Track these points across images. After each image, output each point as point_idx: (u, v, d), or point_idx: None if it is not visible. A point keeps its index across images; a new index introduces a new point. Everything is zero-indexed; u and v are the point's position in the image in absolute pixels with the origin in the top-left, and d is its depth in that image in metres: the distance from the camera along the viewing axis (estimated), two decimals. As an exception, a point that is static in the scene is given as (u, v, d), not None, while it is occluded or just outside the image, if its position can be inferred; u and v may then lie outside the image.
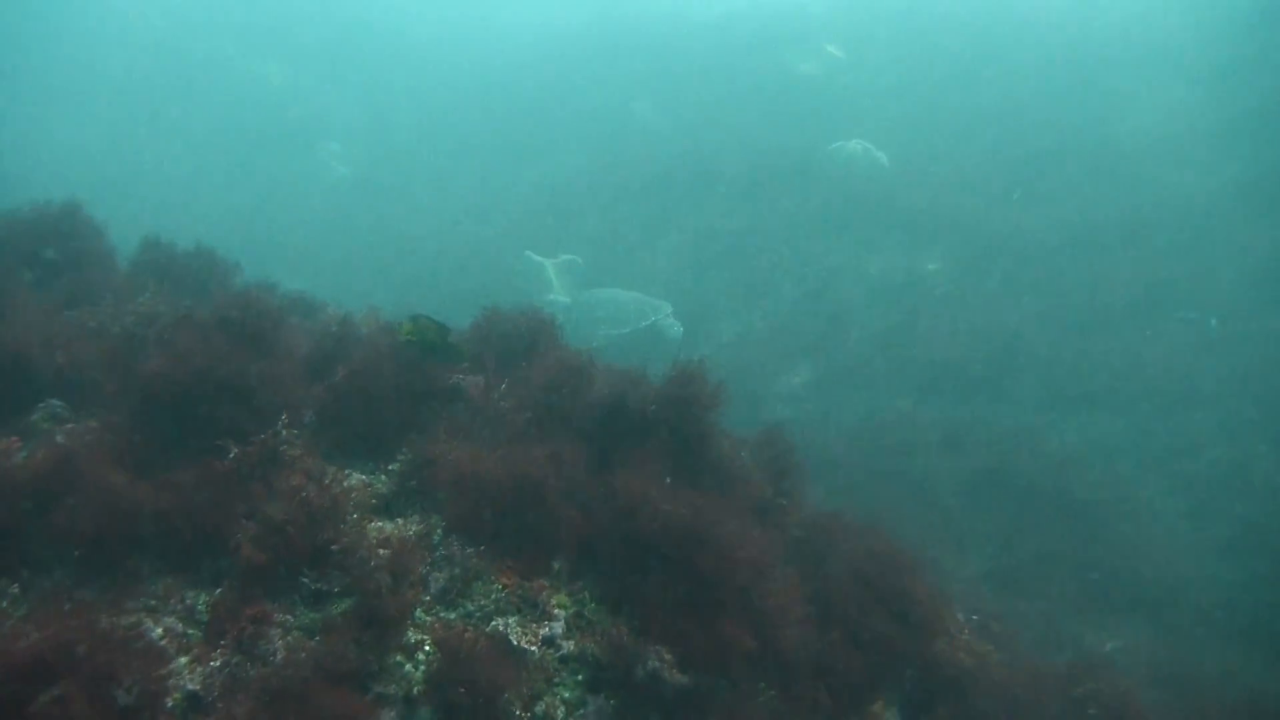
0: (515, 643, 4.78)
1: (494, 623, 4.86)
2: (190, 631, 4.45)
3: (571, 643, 4.96)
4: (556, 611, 5.06)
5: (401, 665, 4.50)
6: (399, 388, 5.82)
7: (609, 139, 21.49)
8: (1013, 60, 20.51)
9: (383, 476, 5.63)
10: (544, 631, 4.93)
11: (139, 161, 24.78)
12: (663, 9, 28.28)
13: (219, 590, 4.61)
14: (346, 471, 5.53)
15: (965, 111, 19.20)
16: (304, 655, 4.20)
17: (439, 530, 5.28)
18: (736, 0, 27.08)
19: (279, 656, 4.28)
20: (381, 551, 4.80)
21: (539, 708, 4.64)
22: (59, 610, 3.84)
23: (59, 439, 5.21)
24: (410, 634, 4.62)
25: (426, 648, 4.59)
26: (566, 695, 4.77)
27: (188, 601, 4.58)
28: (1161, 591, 10.26)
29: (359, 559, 4.64)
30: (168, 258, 7.80)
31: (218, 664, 4.24)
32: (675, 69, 23.37)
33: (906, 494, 11.63)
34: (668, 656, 4.89)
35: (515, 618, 4.95)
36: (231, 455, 4.88)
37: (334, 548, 4.67)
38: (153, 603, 4.52)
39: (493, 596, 5.02)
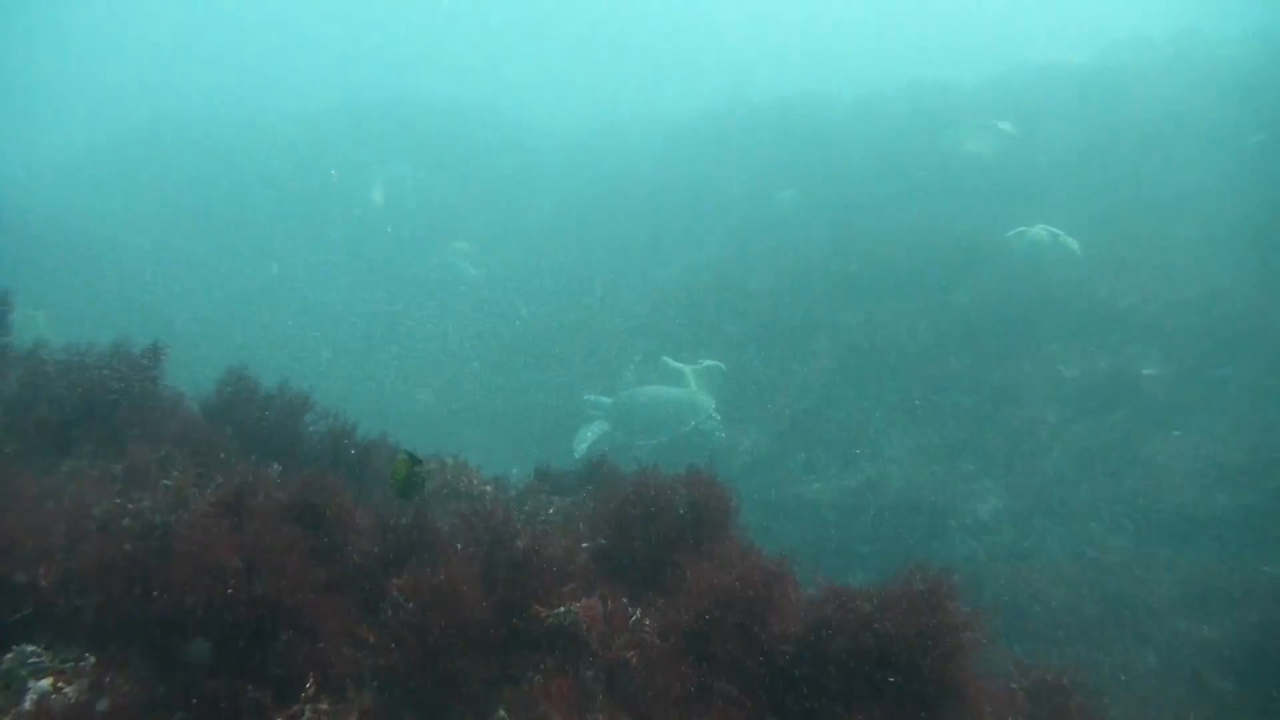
0: None
1: None
2: None
3: None
4: None
5: None
6: (480, 624, 4.07)
7: (751, 233, 19.89)
8: (1220, 120, 17.82)
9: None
10: None
11: (263, 276, 24.92)
12: (800, 91, 26.84)
13: None
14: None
15: (1167, 185, 16.63)
16: None
17: None
18: (882, 79, 25.42)
19: None
20: None
21: None
22: None
23: (28, 703, 3.69)
24: None
25: None
26: None
27: None
28: None
29: None
30: (246, 398, 6.40)
31: None
32: (820, 154, 21.72)
33: (1160, 670, 9.03)
34: None
35: None
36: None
37: None
38: None
39: None
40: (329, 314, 23.61)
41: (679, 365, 15.14)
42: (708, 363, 15.16)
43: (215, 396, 6.47)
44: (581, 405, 15.87)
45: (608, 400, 15.50)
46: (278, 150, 27.49)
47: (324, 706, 3.66)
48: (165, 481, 4.60)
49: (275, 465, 5.64)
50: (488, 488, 6.24)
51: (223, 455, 5.49)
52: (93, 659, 3.88)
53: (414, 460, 4.74)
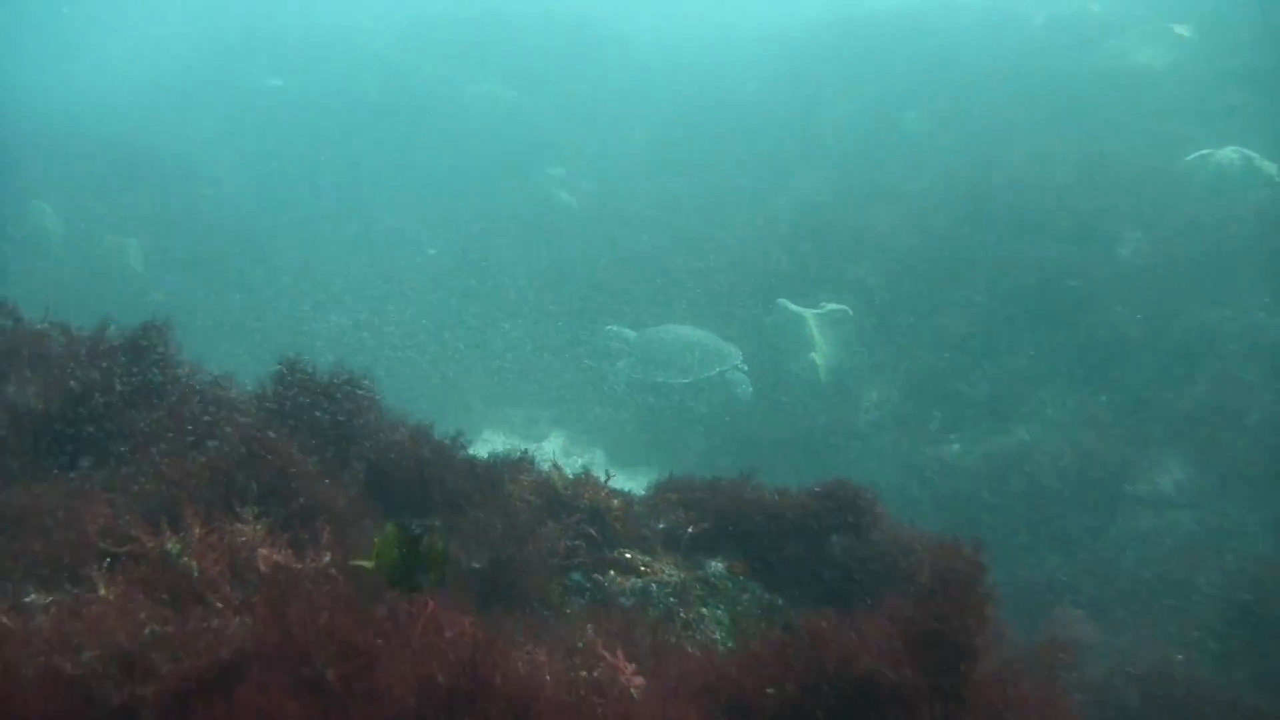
0: None
1: None
2: None
3: None
4: None
5: None
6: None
7: (873, 160, 17.84)
8: None
9: None
10: None
11: (359, 187, 24.02)
12: (924, -1, 24.06)
13: None
14: None
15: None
16: None
17: None
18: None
19: None
20: None
21: None
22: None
23: None
24: None
25: None
26: None
27: None
28: None
29: None
30: (303, 388, 5.12)
31: None
32: (952, 70, 19.32)
33: None
34: None
35: None
36: None
37: None
38: None
39: None
40: (411, 241, 22.69)
41: (798, 309, 13.60)
42: (831, 306, 13.57)
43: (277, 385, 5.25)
44: (603, 336, 15.16)
45: (631, 334, 14.79)
46: (367, 67, 26.34)
47: None
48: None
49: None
50: (615, 502, 4.95)
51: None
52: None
53: (409, 534, 3.23)
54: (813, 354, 13.23)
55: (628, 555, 4.78)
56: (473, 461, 5.14)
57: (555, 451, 16.74)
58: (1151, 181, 13.27)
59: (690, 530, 4.94)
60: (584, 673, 3.02)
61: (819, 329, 13.35)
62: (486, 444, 17.19)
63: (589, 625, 3.58)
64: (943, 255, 13.56)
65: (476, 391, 17.98)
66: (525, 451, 5.69)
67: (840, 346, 13.38)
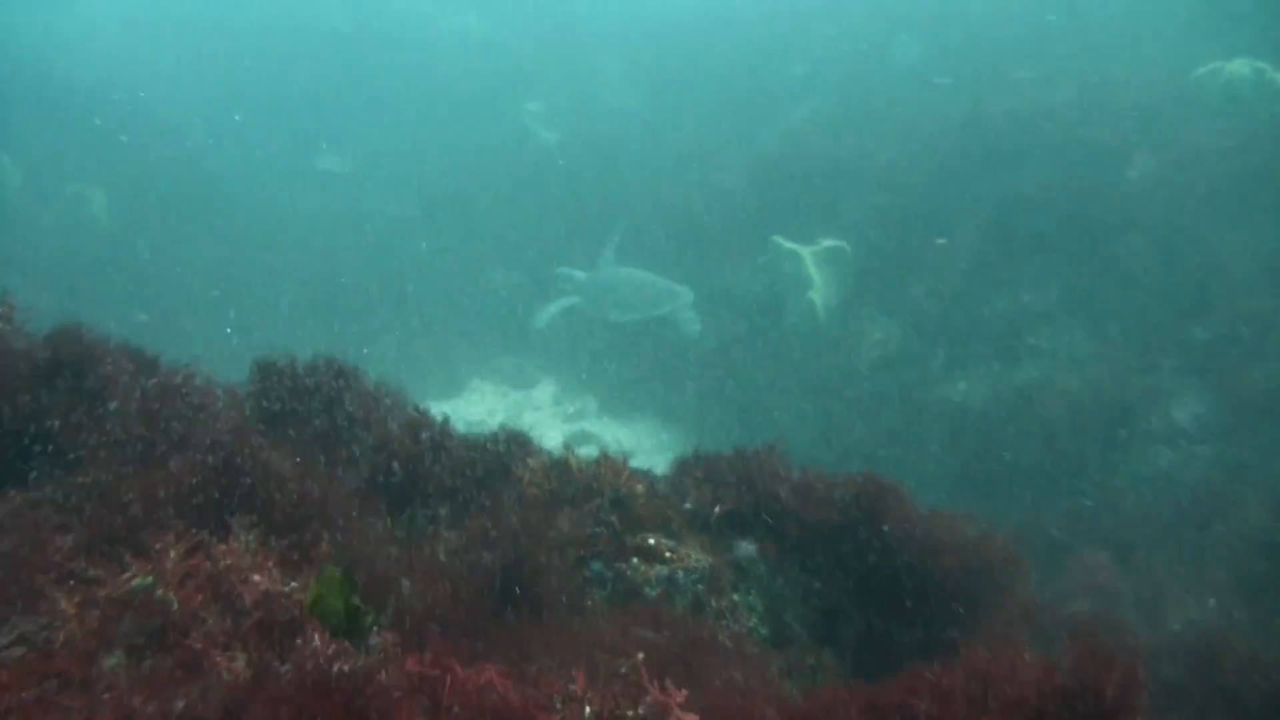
0: None
1: None
2: None
3: None
4: None
5: None
6: None
7: (864, 86, 17.08)
8: None
9: None
10: None
11: (327, 124, 23.08)
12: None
13: None
14: None
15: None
16: None
17: None
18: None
19: None
20: None
21: None
22: None
23: None
24: None
25: None
26: None
27: None
28: None
29: None
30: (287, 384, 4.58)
31: None
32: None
33: None
34: None
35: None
36: None
37: None
38: None
39: None
40: (385, 182, 21.88)
41: (794, 246, 13.08)
42: (828, 243, 13.06)
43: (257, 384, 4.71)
44: (554, 278, 15.27)
45: (582, 275, 15.02)
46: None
47: None
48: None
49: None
50: (638, 487, 4.51)
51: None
52: None
53: (351, 580, 2.87)
54: (810, 293, 12.77)
55: (651, 541, 4.38)
56: (479, 445, 4.66)
57: (546, 400, 16.36)
58: (1158, 101, 12.71)
59: (717, 510, 4.53)
60: (630, 712, 2.62)
61: (816, 267, 12.86)
62: (476, 394, 16.82)
63: (631, 638, 3.17)
64: (942, 187, 13.00)
65: (461, 340, 17.47)
66: (528, 435, 5.17)
67: (839, 284, 12.93)
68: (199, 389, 4.13)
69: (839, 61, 18.76)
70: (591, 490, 4.50)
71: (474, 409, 16.07)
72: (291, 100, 23.92)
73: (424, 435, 4.40)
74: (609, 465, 4.55)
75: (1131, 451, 10.00)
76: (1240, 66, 12.36)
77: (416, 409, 4.94)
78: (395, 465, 4.20)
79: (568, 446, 4.82)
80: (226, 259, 19.06)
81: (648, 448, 14.36)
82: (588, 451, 13.71)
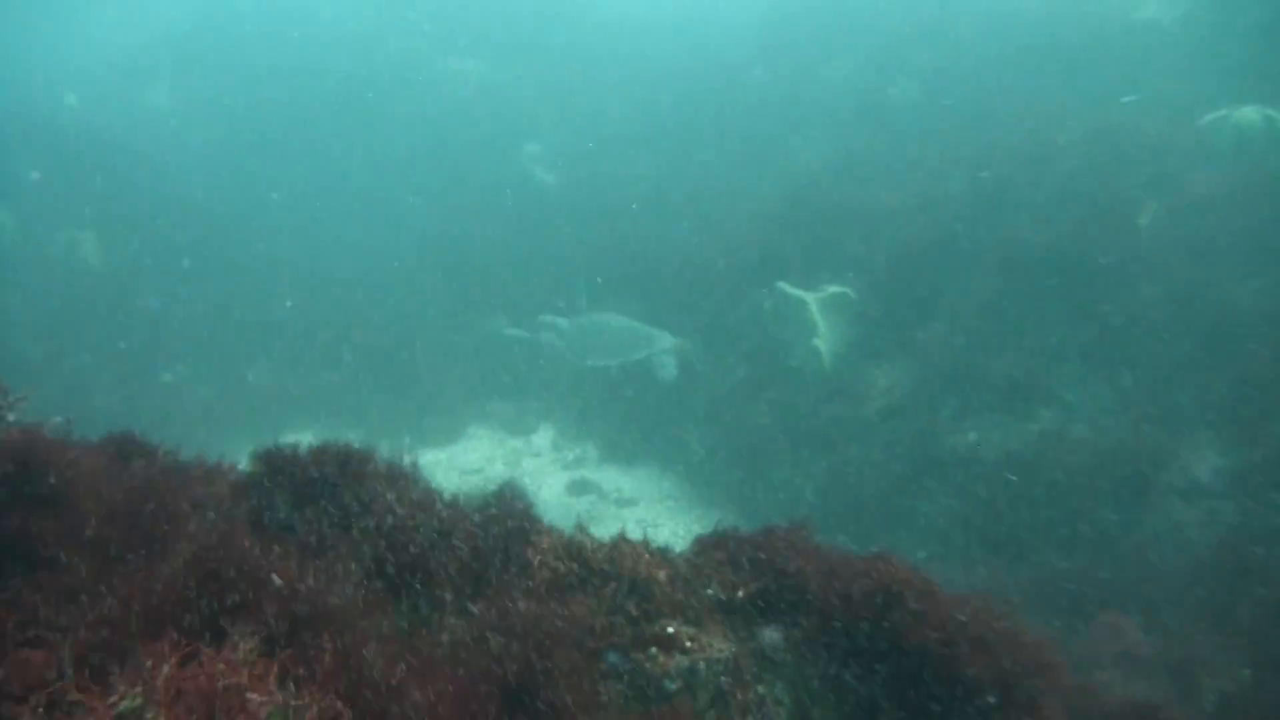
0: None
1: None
2: None
3: None
4: None
5: None
6: None
7: (867, 131, 16.99)
8: None
9: None
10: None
11: (324, 169, 22.96)
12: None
13: None
14: None
15: None
16: None
17: None
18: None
19: None
20: None
21: None
22: None
23: None
24: None
25: None
26: None
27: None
28: None
29: None
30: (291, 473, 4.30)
31: None
32: (945, 32, 18.39)
33: None
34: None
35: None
36: None
37: None
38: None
39: None
40: (383, 225, 21.71)
41: (798, 293, 12.89)
42: (833, 289, 12.88)
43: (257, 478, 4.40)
44: (539, 325, 15.65)
45: (564, 321, 15.46)
46: (330, 41, 25.11)
47: None
48: None
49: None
50: (661, 574, 4.23)
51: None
52: None
53: None
54: (815, 340, 12.56)
55: (671, 629, 4.09)
56: (486, 521, 4.38)
57: (545, 446, 16.06)
58: (1167, 147, 12.60)
59: (741, 594, 4.25)
60: None
61: (821, 313, 12.67)
62: (473, 440, 16.51)
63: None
64: (950, 231, 12.82)
65: (459, 385, 17.21)
66: (534, 514, 4.87)
67: (844, 331, 12.72)
68: (191, 476, 3.86)
69: (840, 105, 18.73)
70: (607, 574, 4.22)
71: (471, 456, 15.78)
72: (286, 141, 23.84)
73: (432, 518, 4.12)
74: (628, 549, 4.27)
75: (1150, 505, 9.72)
76: (1250, 114, 12.28)
77: (426, 488, 4.66)
78: (400, 551, 3.92)
79: (580, 526, 4.53)
80: (222, 303, 18.84)
81: (650, 496, 14.06)
82: (589, 502, 13.35)
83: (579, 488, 14.29)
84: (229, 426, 16.03)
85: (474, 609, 3.98)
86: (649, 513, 13.56)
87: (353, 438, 15.49)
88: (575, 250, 18.42)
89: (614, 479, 14.67)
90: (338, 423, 16.77)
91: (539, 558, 4.36)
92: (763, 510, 12.53)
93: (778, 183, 16.92)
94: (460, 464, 15.44)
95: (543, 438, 16.36)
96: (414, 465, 4.81)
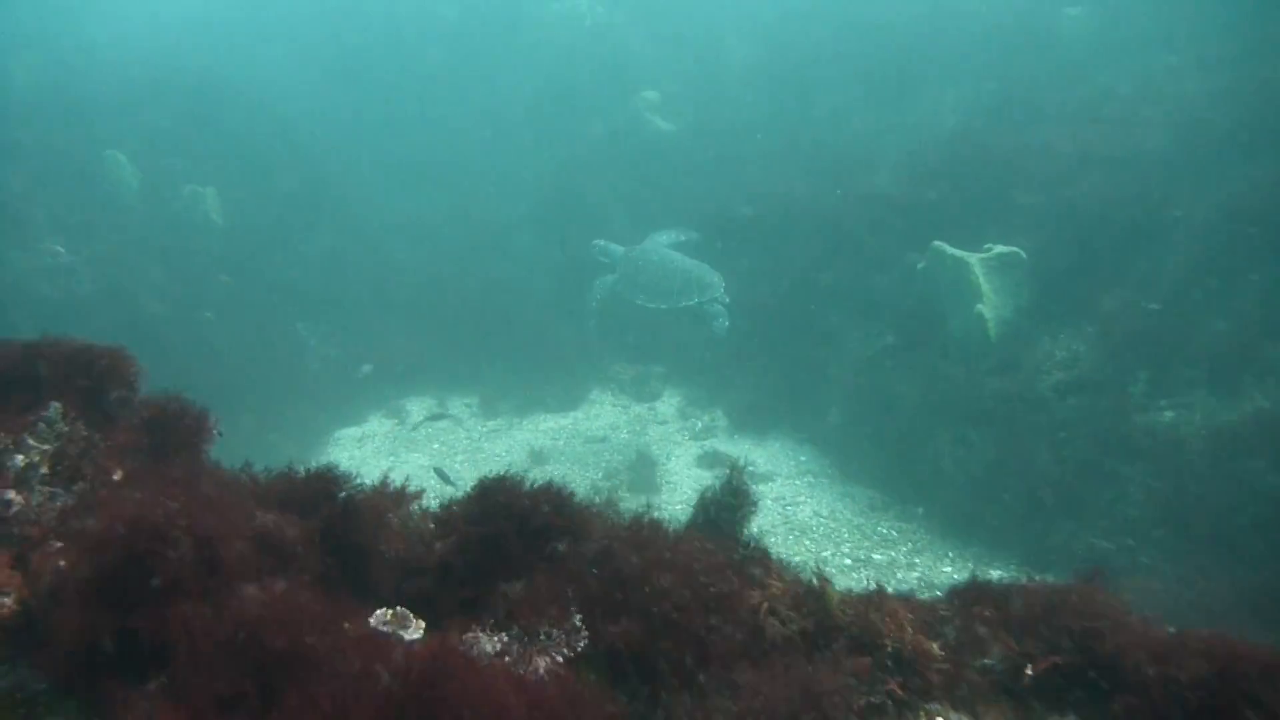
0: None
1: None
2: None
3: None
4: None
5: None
6: None
7: (1028, 71, 15.25)
8: None
9: None
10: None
11: (436, 114, 22.40)
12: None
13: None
14: None
15: None
16: None
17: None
18: None
19: None
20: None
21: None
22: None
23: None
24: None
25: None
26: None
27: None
28: None
29: None
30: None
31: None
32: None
33: None
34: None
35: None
36: None
37: None
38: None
39: None
40: (495, 175, 21.07)
41: (959, 253, 11.62)
42: (999, 249, 11.55)
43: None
44: (591, 250, 15.27)
45: (619, 249, 14.86)
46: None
47: None
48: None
49: None
50: (931, 646, 3.31)
51: None
52: None
53: None
54: (979, 305, 11.32)
55: (939, 719, 3.20)
56: (713, 559, 3.54)
57: (671, 413, 15.27)
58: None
59: (1029, 671, 3.32)
60: None
61: (985, 276, 11.39)
62: (595, 405, 15.83)
63: None
64: (1143, 184, 11.34)
65: (577, 345, 16.52)
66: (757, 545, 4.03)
67: (1013, 296, 11.43)
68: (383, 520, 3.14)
69: (994, 38, 16.92)
70: (859, 640, 3.35)
71: (594, 423, 15.12)
72: (398, 89, 23.38)
73: (649, 566, 3.30)
74: (886, 610, 3.38)
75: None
76: None
77: (637, 517, 3.88)
78: (616, 610, 3.13)
79: (820, 575, 3.65)
80: (337, 262, 18.59)
81: (787, 470, 13.15)
82: (719, 472, 12.41)
83: (710, 460, 13.47)
84: (353, 386, 15.81)
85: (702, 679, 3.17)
86: (787, 489, 12.66)
87: (471, 400, 15.09)
88: (697, 206, 17.38)
89: (747, 450, 13.78)
90: (455, 384, 16.38)
91: (767, 603, 3.51)
92: (923, 492, 11.53)
93: (926, 128, 15.46)
94: (584, 431, 14.81)
95: (668, 404, 15.59)
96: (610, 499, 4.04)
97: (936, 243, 11.87)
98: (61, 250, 15.39)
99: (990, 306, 11.30)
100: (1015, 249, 11.41)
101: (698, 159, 18.64)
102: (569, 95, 21.50)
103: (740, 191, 16.45)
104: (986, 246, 11.60)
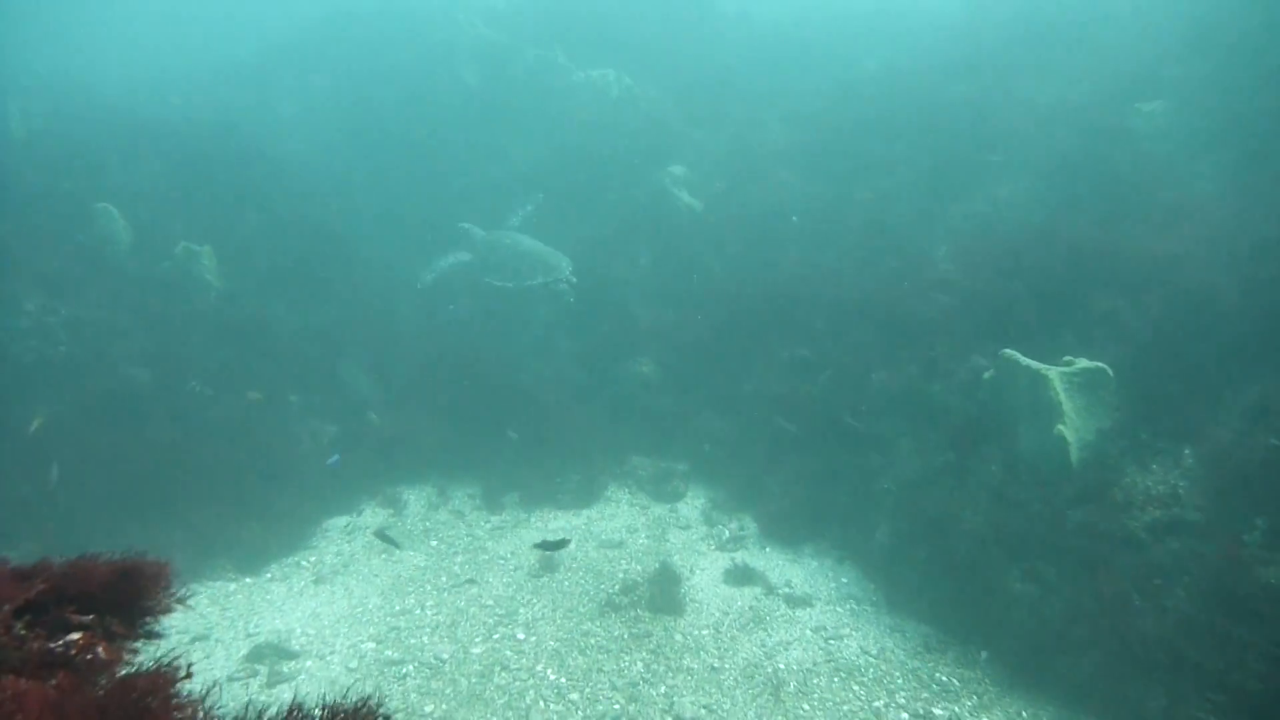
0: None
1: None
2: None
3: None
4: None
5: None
6: None
7: (1100, 163, 14.19)
8: None
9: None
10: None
11: (453, 183, 21.33)
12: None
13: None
14: None
15: None
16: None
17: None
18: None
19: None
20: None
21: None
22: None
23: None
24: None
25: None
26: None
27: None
28: None
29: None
30: None
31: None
32: (1208, 44, 15.37)
33: None
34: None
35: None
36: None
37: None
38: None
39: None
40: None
41: (1036, 365, 10.35)
42: (1083, 363, 10.28)
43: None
44: (455, 231, 16.37)
45: (480, 233, 16.01)
46: (462, 49, 23.58)
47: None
48: None
49: None
50: None
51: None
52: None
53: None
54: (1060, 426, 10.00)
55: None
56: None
57: (695, 517, 13.85)
58: None
59: None
60: None
61: (1067, 393, 10.10)
62: (611, 504, 14.36)
63: None
64: (1256, 285, 10.13)
65: (596, 436, 15.18)
66: None
67: (1095, 417, 10.13)
68: None
69: (1063, 131, 15.88)
70: None
71: (610, 524, 13.68)
72: (412, 153, 22.42)
73: None
74: None
75: None
76: None
77: None
78: None
79: None
80: (338, 331, 17.33)
81: (827, 594, 11.68)
82: (753, 596, 10.74)
83: (740, 576, 12.01)
84: (351, 470, 14.41)
85: None
86: (828, 617, 11.18)
87: (474, 491, 13.66)
88: (725, 288, 16.22)
89: (780, 566, 12.36)
90: (459, 471, 15.00)
91: None
92: (987, 632, 10.08)
93: (982, 221, 14.34)
94: (597, 534, 13.36)
95: (691, 506, 14.16)
96: None
97: (1008, 351, 10.60)
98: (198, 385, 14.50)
99: (1072, 428, 9.98)
100: (1101, 365, 10.13)
101: (726, 239, 17.53)
102: (591, 167, 20.51)
103: (770, 276, 15.29)
104: (1066, 359, 10.33)
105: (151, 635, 2.81)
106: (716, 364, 15.38)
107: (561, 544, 11.76)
